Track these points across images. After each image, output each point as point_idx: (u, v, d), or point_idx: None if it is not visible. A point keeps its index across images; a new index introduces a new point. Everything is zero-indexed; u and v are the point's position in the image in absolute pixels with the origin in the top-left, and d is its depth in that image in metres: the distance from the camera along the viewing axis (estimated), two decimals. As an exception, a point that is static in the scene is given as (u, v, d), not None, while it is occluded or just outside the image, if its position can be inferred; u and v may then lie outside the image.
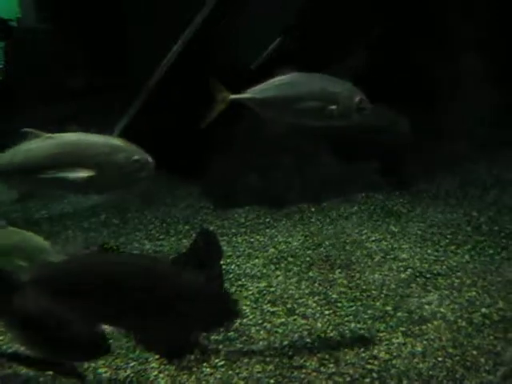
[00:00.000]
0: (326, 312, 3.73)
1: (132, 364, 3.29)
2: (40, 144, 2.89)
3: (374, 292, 3.96)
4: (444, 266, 4.30)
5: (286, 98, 3.28)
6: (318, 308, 3.78)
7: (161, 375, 3.17)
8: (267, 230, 5.23)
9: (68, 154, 2.83)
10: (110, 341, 3.46)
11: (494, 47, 6.55)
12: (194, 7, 6.53)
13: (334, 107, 3.19)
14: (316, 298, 3.90)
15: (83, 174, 2.77)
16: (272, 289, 4.07)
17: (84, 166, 2.78)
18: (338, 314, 3.71)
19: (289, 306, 3.83)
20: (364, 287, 4.03)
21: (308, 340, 3.44)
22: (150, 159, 2.86)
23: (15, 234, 3.34)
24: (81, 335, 2.76)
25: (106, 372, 3.24)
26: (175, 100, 6.52)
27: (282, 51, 6.95)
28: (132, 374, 3.21)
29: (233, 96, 3.36)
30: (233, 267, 4.44)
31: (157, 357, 3.31)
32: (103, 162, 2.79)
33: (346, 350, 3.32)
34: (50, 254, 3.26)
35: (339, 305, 3.82)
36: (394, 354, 3.26)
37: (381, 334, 3.46)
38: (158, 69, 6.69)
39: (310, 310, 3.77)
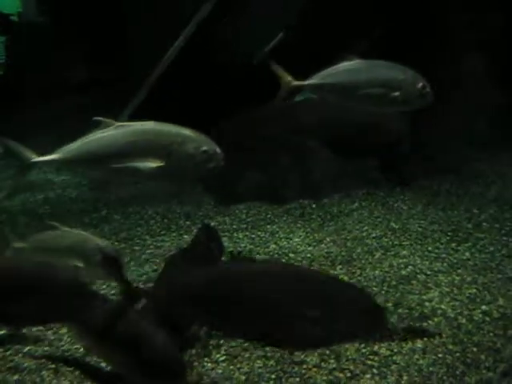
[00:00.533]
0: (327, 308, 3.73)
1: (133, 358, 3.30)
2: (112, 133, 2.87)
3: (374, 288, 3.97)
4: (445, 263, 4.31)
5: (349, 85, 3.31)
6: (319, 304, 3.78)
7: (162, 370, 3.18)
8: (268, 226, 5.23)
9: (140, 142, 2.82)
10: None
11: (495, 47, 6.56)
12: (194, 1, 6.54)
13: (397, 93, 3.22)
14: (317, 294, 3.90)
15: (153, 164, 2.76)
16: (273, 284, 4.08)
17: (155, 154, 2.77)
18: (338, 310, 3.71)
19: (290, 301, 3.84)
20: (365, 283, 4.04)
21: (309, 335, 3.44)
22: (218, 150, 2.84)
23: (71, 235, 3.32)
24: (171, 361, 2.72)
25: (107, 366, 3.25)
26: (176, 95, 6.53)
27: (283, 47, 6.96)
28: (133, 369, 3.22)
29: (296, 82, 3.40)
30: (234, 263, 4.45)
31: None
32: (174, 151, 2.77)
33: (347, 345, 3.33)
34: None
35: (340, 301, 3.83)
36: (395, 350, 3.27)
37: (381, 330, 3.47)
38: (158, 64, 6.70)
39: (310, 305, 3.77)
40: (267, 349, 3.31)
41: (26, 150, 3.03)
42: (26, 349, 3.43)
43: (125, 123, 2.91)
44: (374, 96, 3.26)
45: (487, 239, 4.71)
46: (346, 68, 3.35)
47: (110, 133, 2.88)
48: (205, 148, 2.82)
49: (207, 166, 2.85)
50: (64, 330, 3.64)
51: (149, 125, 2.92)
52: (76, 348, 3.43)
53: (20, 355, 3.36)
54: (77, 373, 3.19)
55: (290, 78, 3.40)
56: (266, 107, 6.23)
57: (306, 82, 3.39)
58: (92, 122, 2.92)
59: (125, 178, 2.93)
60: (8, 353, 3.39)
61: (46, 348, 3.45)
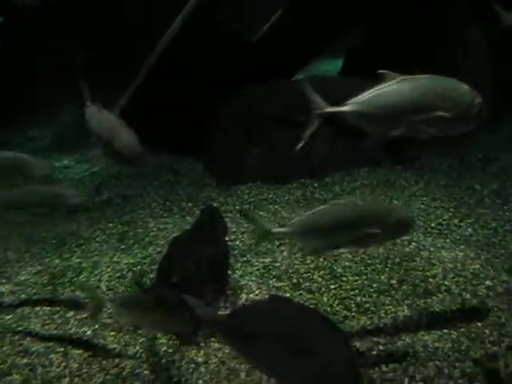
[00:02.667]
0: (332, 286, 3.76)
1: (141, 340, 3.33)
2: (400, 86, 2.86)
3: (378, 266, 3.98)
4: (448, 240, 4.32)
5: None
6: (324, 282, 3.81)
7: (170, 350, 3.21)
8: (270, 206, 5.23)
9: (430, 95, 2.84)
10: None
11: (493, 27, 6.51)
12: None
13: None
14: (321, 273, 3.92)
15: (444, 114, 2.80)
16: (277, 264, 4.09)
17: (440, 107, 2.81)
18: (343, 287, 3.74)
19: (294, 280, 3.86)
20: (369, 261, 4.05)
21: (314, 314, 3.46)
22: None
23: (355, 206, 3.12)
24: None
25: (114, 348, 3.28)
26: (176, 76, 6.48)
27: (282, 24, 6.89)
28: (141, 350, 3.25)
29: None
30: (238, 243, 4.45)
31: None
32: (458, 103, 2.82)
33: (352, 323, 3.36)
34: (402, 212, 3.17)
35: (344, 279, 3.85)
36: (400, 326, 3.30)
37: (386, 307, 3.50)
38: (157, 45, 6.63)
39: (315, 284, 3.79)
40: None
41: (319, 99, 2.99)
42: (34, 332, 3.46)
43: (406, 76, 2.89)
44: None
45: (490, 215, 4.71)
46: None
47: (398, 86, 2.87)
48: (479, 100, 2.85)
49: (479, 117, 2.87)
50: (70, 314, 3.67)
51: (429, 78, 2.92)
52: (83, 331, 3.47)
53: (28, 339, 3.39)
54: (85, 355, 3.22)
55: None
56: (267, 85, 6.21)
57: None
58: (376, 75, 2.90)
59: (411, 133, 2.92)
60: (16, 337, 3.43)
61: (53, 331, 3.48)
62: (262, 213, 5.10)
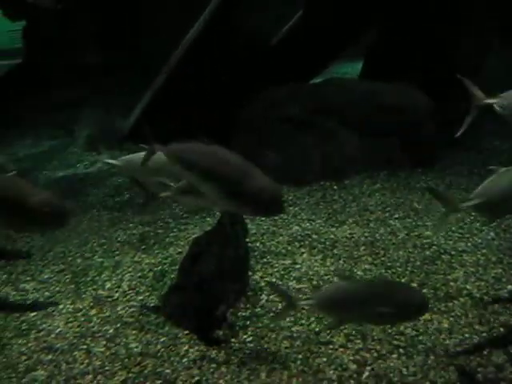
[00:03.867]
0: (352, 289, 3.75)
1: (162, 339, 3.37)
2: None
3: (399, 269, 3.98)
4: (469, 243, 4.29)
5: None
6: (344, 285, 3.80)
7: (191, 350, 3.24)
8: (290, 208, 5.24)
9: None
10: (140, 317, 3.58)
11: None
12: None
13: None
14: (341, 275, 3.92)
15: None
16: (297, 266, 4.10)
17: None
18: (363, 290, 3.73)
19: (314, 282, 3.86)
20: (389, 264, 4.05)
21: (334, 316, 3.46)
22: None
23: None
24: None
25: (136, 347, 3.32)
26: (196, 78, 6.53)
27: (301, 27, 6.91)
28: (162, 349, 3.29)
29: None
30: (258, 245, 4.47)
31: (186, 332, 3.38)
32: None
33: (373, 326, 3.35)
34: None
35: (365, 282, 3.84)
36: (421, 330, 3.29)
37: (407, 311, 3.48)
38: (178, 48, 6.69)
39: (335, 286, 3.79)
40: (293, 329, 3.35)
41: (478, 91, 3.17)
42: (58, 330, 3.52)
43: None
44: None
45: (512, 219, 4.67)
46: None
47: None
48: None
49: None
50: (93, 312, 3.72)
51: None
52: (106, 329, 3.51)
53: (53, 336, 3.45)
54: (108, 353, 3.27)
55: None
56: (285, 87, 6.22)
57: None
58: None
59: None
60: (41, 334, 3.49)
61: (76, 329, 3.53)
62: (281, 215, 5.11)
